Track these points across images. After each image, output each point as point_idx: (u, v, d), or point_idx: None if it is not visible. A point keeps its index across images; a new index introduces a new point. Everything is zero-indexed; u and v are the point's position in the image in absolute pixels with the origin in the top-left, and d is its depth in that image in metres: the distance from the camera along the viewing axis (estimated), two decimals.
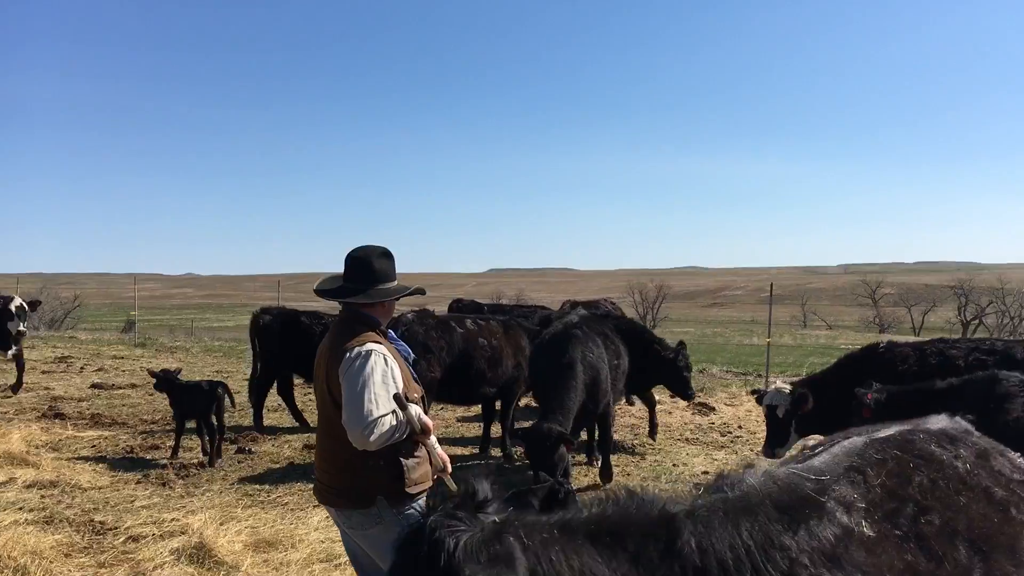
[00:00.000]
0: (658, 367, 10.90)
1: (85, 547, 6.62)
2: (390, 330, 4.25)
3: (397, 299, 4.19)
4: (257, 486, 8.81)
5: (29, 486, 8.44)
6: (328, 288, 4.16)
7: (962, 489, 2.87)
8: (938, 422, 3.32)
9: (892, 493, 2.68)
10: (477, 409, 12.04)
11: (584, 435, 9.89)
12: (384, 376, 3.79)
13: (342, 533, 4.19)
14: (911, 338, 10.24)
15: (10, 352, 13.86)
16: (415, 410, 3.85)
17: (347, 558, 3.92)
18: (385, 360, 3.85)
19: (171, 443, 10.27)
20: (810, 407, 7.79)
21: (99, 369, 18.67)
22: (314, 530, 7.09)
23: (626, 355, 9.79)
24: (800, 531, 2.42)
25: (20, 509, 7.58)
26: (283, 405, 12.59)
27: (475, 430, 11.96)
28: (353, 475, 3.88)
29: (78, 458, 9.80)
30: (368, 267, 4.07)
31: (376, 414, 3.67)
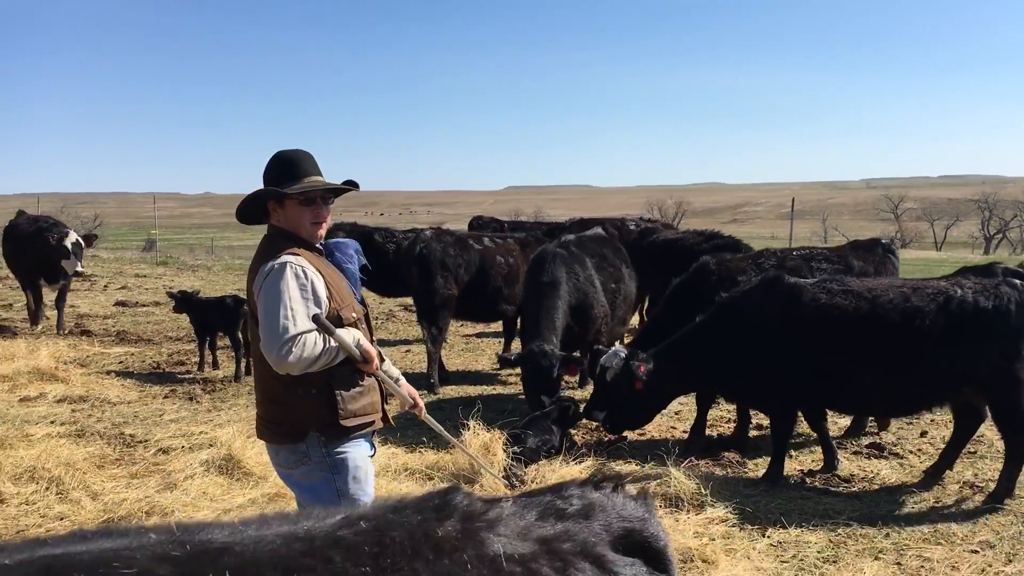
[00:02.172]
0: None
1: (117, 459, 6.80)
2: (341, 240, 3.84)
3: (322, 205, 3.54)
4: None
5: (59, 400, 8.67)
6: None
7: None
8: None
9: None
10: (496, 326, 12.12)
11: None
12: (303, 290, 3.30)
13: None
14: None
15: (57, 284, 12.83)
16: (353, 334, 3.39)
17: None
18: (304, 272, 3.34)
19: (196, 359, 10.49)
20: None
21: (122, 287, 18.93)
22: None
23: (631, 280, 9.34)
24: None
25: (52, 423, 7.80)
26: None
27: (495, 346, 12.09)
28: (283, 405, 3.46)
29: (106, 373, 10.02)
30: (268, 173, 3.56)
31: (293, 331, 3.19)
